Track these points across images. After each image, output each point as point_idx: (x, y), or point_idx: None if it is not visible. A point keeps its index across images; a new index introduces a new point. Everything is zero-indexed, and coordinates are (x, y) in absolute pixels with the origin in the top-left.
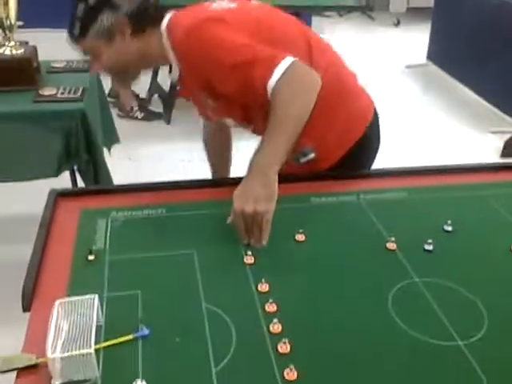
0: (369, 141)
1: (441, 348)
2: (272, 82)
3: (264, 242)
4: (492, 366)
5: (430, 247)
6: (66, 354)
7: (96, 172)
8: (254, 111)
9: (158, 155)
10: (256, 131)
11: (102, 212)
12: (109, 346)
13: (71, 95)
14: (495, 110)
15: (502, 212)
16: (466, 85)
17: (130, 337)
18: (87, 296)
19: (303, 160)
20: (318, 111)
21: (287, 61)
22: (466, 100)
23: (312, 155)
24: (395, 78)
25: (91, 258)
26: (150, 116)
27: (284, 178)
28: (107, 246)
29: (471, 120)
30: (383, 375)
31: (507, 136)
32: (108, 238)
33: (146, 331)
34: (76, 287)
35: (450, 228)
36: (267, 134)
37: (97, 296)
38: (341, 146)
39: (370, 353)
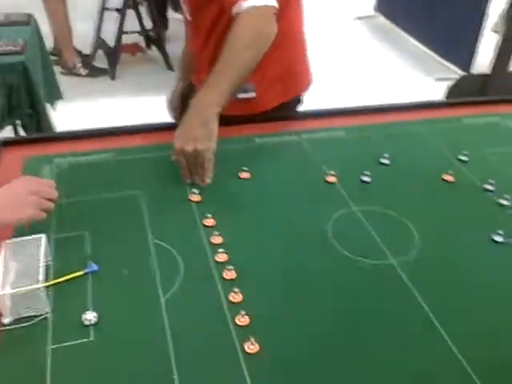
0: (301, 99)
1: (377, 267)
2: (243, 5)
3: (208, 180)
4: (421, 281)
5: (368, 179)
6: (16, 290)
7: (39, 127)
8: (205, 7)
9: (103, 110)
10: (188, 36)
11: (46, 159)
12: (59, 283)
13: (11, 48)
14: (441, 59)
15: (436, 146)
16: (413, 36)
17: (80, 273)
18: (34, 236)
19: (242, 96)
20: (274, 55)
21: (270, 0)
22: (413, 50)
23: (252, 94)
24: (344, 30)
25: None
26: (95, 72)
27: (227, 121)
28: None
29: (418, 68)
30: (325, 294)
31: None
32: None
33: (94, 267)
34: (22, 231)
35: (386, 161)
36: (213, 75)
37: (44, 235)
38: (282, 97)
39: (311, 275)
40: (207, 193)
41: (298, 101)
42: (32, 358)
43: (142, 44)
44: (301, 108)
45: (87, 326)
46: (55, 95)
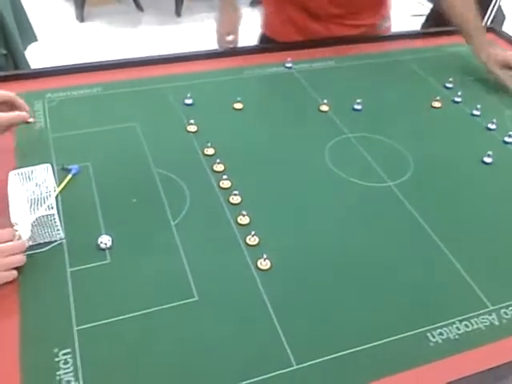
0: None
1: (375, 189)
2: None
3: None
4: (417, 199)
5: (359, 106)
6: (29, 217)
7: (16, 66)
8: None
9: (74, 52)
10: None
11: (37, 94)
12: (70, 213)
13: None
14: None
15: (422, 74)
16: None
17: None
18: (40, 165)
19: (383, 28)
20: None
21: None
22: None
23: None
24: None
25: (34, 136)
26: None
27: (220, 54)
28: (48, 126)
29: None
30: (328, 215)
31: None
32: (48, 117)
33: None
34: (24, 164)
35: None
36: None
37: (49, 164)
38: None
39: (312, 197)
40: (204, 123)
41: None
42: (54, 280)
43: None
44: None
45: (103, 249)
46: (29, 38)
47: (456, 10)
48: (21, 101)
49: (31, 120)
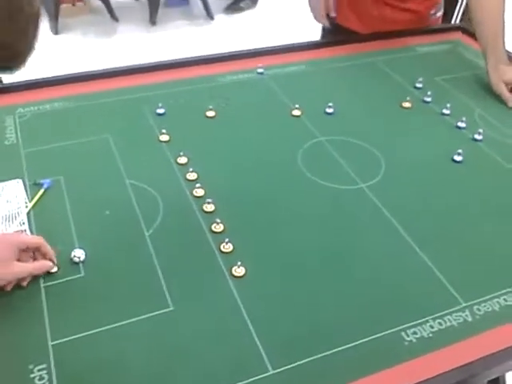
0: None
1: (347, 191)
2: None
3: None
4: (389, 200)
5: (331, 110)
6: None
7: None
8: None
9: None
10: None
11: (8, 109)
12: (43, 228)
13: None
14: None
15: (392, 75)
16: None
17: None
18: (11, 181)
19: (434, 17)
20: None
21: None
22: None
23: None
24: None
25: (5, 152)
26: None
27: (190, 62)
28: (19, 141)
29: None
30: (302, 220)
31: None
32: (19, 132)
33: (48, 181)
34: None
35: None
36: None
37: (20, 180)
38: None
39: (286, 202)
40: (176, 132)
41: None
42: (28, 295)
43: None
44: None
45: (77, 263)
46: None
47: (477, 19)
48: (48, 248)
49: (54, 270)
